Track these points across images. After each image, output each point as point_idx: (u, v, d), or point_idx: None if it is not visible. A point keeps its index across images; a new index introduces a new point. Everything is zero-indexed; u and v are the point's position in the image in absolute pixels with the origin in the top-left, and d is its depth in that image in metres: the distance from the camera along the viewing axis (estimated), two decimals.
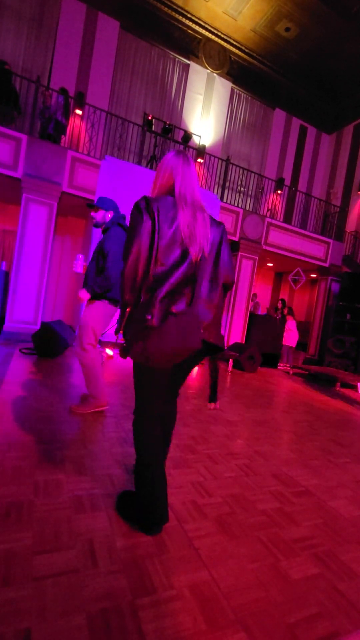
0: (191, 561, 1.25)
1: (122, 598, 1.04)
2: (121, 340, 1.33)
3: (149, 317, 1.20)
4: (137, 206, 1.24)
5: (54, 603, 0.99)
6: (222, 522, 1.52)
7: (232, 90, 9.16)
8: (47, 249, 5.66)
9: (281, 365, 7.13)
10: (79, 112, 7.24)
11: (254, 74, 9.25)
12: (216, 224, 1.38)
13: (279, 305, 7.72)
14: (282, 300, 7.87)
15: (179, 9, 8.00)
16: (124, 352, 1.30)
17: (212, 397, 1.51)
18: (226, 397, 3.91)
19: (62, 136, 6.47)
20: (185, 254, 1.25)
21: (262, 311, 9.16)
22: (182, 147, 7.58)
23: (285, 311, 7.58)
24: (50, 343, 4.39)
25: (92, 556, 1.19)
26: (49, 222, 5.64)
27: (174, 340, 1.22)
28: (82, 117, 7.31)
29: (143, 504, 1.33)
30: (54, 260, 7.19)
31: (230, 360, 5.77)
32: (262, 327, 7.12)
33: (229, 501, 1.70)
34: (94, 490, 1.60)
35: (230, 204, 7.40)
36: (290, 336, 7.31)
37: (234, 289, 7.32)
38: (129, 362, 2.78)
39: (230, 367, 5.72)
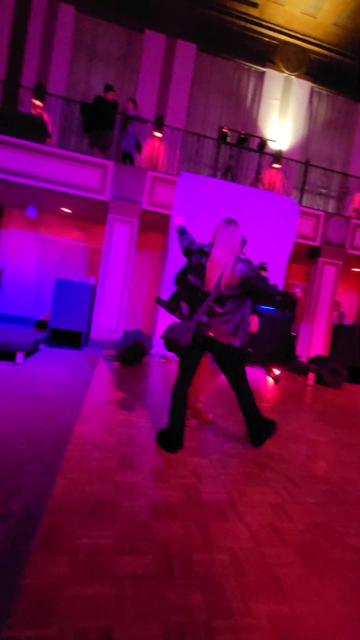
0: (271, 590, 1.16)
1: (198, 615, 1.02)
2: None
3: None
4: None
5: (133, 606, 1.02)
6: (306, 553, 1.39)
7: (312, 90, 8.76)
8: (129, 263, 6.09)
9: None
10: (158, 134, 7.71)
11: (335, 69, 8.70)
12: (244, 261, 2.17)
13: None
14: None
15: (255, 20, 8.01)
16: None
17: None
18: (306, 414, 3.63)
19: (138, 156, 6.95)
20: (215, 286, 2.13)
21: (348, 321, 8.34)
22: (257, 155, 7.48)
23: None
24: (132, 351, 4.67)
25: (168, 565, 1.20)
26: (131, 239, 6.07)
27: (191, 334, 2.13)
28: (161, 139, 7.76)
29: (167, 432, 2.18)
30: (134, 273, 7.69)
31: (311, 374, 5.36)
32: (348, 338, 6.46)
33: (313, 530, 1.55)
34: (170, 498, 1.62)
35: (310, 207, 6.99)
36: None
37: (314, 297, 6.84)
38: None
39: (311, 382, 5.31)
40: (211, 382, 2.74)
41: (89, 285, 5.99)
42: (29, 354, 4.41)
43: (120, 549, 1.24)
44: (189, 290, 2.31)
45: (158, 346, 5.90)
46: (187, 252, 2.33)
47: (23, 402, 2.65)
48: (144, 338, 5.17)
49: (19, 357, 3.80)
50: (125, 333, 4.93)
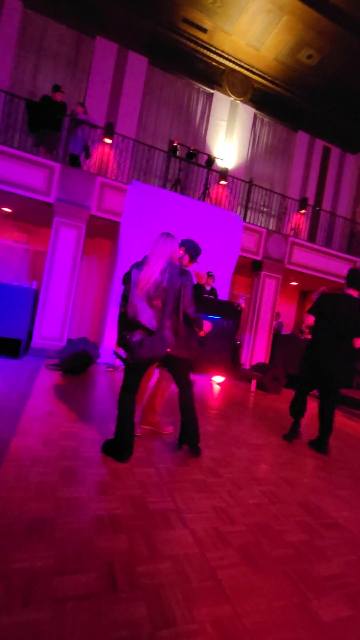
0: (214, 593, 1.19)
1: (142, 628, 1.01)
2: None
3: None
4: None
5: (73, 628, 0.97)
6: (247, 552, 1.45)
7: (255, 116, 9.41)
8: (75, 269, 5.89)
9: None
10: (108, 141, 7.65)
11: (276, 100, 9.48)
12: (182, 272, 2.16)
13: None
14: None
15: (204, 44, 8.43)
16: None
17: None
18: (249, 419, 3.80)
19: (87, 160, 6.81)
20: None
21: (285, 331, 8.97)
22: (205, 170, 7.80)
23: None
24: (77, 360, 4.48)
25: (112, 580, 1.16)
26: (78, 243, 5.88)
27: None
28: (111, 145, 7.71)
29: (117, 441, 2.14)
30: (81, 279, 7.44)
31: (253, 381, 5.65)
32: (287, 347, 6.95)
33: (254, 530, 1.62)
34: (116, 511, 1.58)
35: (253, 224, 7.45)
36: None
37: (256, 308, 7.25)
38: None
39: (253, 388, 5.59)
40: (165, 390, 2.76)
41: (30, 290, 5.65)
42: None
43: (60, 569, 1.17)
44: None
45: (105, 355, 5.75)
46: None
47: None
48: (89, 346, 5.00)
49: None
50: (70, 341, 4.72)
